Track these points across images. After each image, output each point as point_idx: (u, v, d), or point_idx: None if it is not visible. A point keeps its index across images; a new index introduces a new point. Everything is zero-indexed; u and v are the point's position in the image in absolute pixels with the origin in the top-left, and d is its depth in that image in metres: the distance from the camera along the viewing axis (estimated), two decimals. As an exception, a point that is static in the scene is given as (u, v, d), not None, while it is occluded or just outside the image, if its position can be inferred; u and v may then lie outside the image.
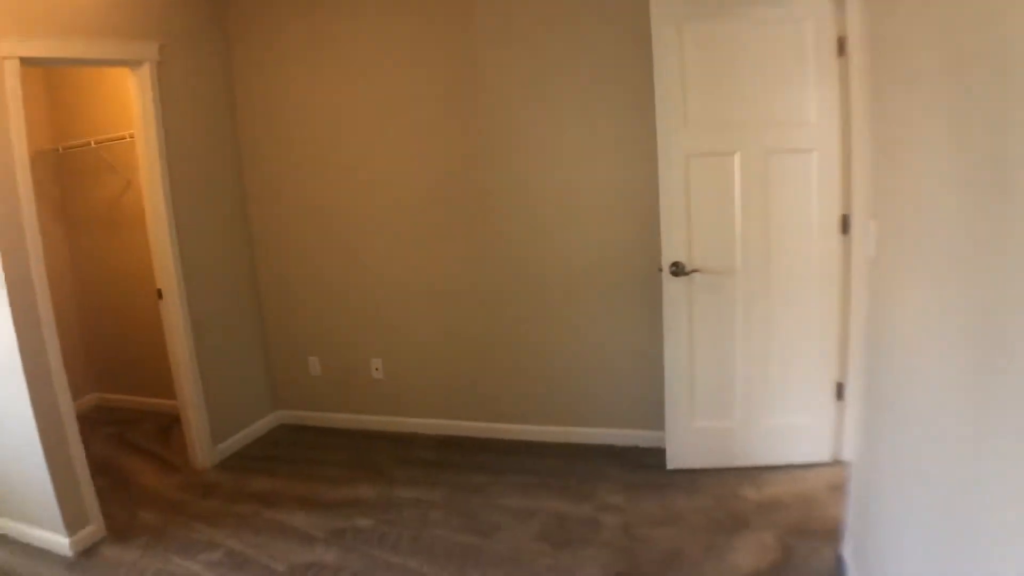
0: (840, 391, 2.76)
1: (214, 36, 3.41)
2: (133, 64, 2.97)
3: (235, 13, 3.44)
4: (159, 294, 3.14)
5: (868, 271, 2.02)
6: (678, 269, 2.64)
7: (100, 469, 3.13)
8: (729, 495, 2.64)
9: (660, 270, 2.68)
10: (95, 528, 2.62)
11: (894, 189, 1.67)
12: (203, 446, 3.28)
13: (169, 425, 3.82)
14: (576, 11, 2.92)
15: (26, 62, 2.46)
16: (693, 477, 2.79)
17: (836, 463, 2.77)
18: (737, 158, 2.63)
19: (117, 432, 3.85)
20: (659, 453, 2.90)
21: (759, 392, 2.78)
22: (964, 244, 1.19)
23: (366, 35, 3.24)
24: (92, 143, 3.76)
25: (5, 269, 2.34)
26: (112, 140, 3.70)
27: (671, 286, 2.68)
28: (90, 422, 3.90)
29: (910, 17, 1.47)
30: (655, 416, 2.96)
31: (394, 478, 3.04)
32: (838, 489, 2.51)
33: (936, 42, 1.31)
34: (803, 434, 2.80)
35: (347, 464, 3.24)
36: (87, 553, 2.54)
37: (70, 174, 4.06)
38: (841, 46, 2.59)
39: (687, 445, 2.83)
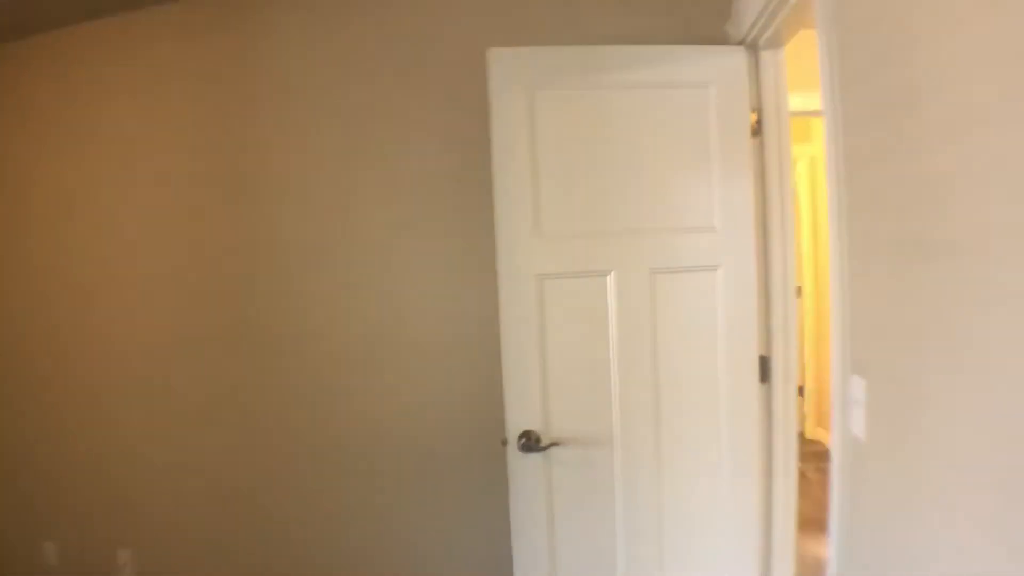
0: (764, 595, 1.99)
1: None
2: None
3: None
4: None
5: (850, 460, 1.22)
6: (530, 442, 1.81)
7: None
8: None
9: (504, 443, 1.84)
10: None
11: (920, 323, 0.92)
12: None
13: None
14: (402, 80, 2.17)
15: None
16: None
17: None
18: (612, 279, 1.85)
19: None
20: None
21: (652, 605, 1.97)
22: None
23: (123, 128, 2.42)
24: None
25: None
26: None
27: (521, 465, 1.82)
28: None
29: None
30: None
31: None
32: None
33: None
34: (716, 655, 2.00)
35: None
36: None
37: None
38: (756, 124, 1.91)
39: None
